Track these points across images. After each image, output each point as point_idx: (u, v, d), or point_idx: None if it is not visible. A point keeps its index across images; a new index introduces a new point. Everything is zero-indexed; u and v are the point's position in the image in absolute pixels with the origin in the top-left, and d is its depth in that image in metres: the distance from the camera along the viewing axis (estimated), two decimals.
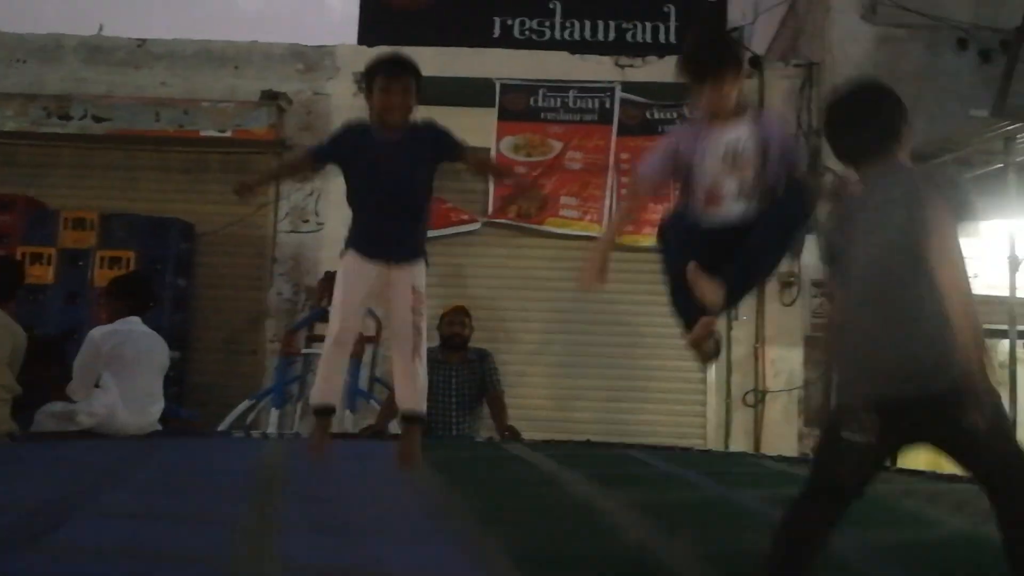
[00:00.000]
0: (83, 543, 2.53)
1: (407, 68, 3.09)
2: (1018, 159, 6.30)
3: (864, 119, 2.52)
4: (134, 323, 5.05)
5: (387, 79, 3.02)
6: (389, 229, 2.96)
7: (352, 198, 3.05)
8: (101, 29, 8.19)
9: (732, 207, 2.80)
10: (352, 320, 2.87)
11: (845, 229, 2.52)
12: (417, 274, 3.04)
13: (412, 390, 3.05)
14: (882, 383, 2.34)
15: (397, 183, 2.94)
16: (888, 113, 2.53)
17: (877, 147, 2.51)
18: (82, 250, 7.15)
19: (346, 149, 3.02)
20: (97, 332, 4.95)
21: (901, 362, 2.32)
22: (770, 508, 3.38)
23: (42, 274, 7.08)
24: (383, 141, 2.99)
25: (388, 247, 2.96)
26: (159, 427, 5.11)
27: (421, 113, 7.72)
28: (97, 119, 7.59)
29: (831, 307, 2.80)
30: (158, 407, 5.10)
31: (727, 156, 2.75)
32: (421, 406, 3.11)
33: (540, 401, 7.48)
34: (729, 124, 2.81)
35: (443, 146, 3.08)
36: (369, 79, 3.06)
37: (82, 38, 8.04)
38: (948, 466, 2.85)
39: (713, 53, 2.83)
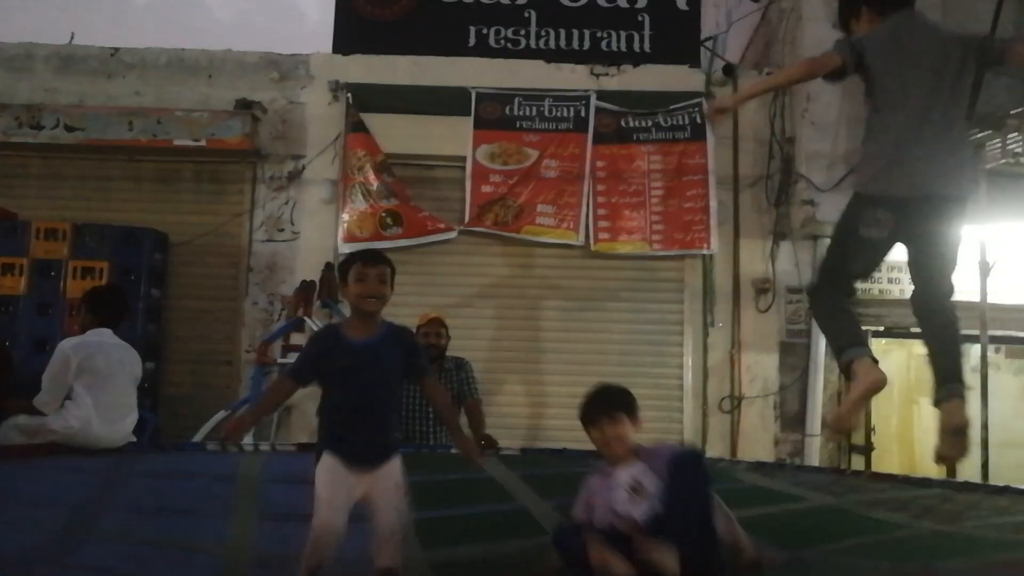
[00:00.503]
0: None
1: (382, 259, 3.10)
2: (988, 166, 6.38)
3: None
4: (105, 335, 5.00)
5: (363, 266, 3.01)
6: (367, 437, 2.85)
7: (326, 405, 2.96)
8: (73, 38, 8.11)
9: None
10: (336, 521, 2.68)
11: (890, 49, 3.21)
12: (397, 468, 2.95)
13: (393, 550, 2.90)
14: (917, 181, 3.10)
15: (372, 389, 2.84)
16: None
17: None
18: (54, 261, 7.07)
19: (321, 362, 2.96)
20: (67, 343, 4.89)
21: (938, 166, 3.15)
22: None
23: (13, 285, 7.00)
24: (356, 345, 2.93)
25: (368, 455, 2.85)
26: (133, 438, 5.06)
27: (396, 122, 7.75)
28: (69, 129, 7.53)
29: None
30: (132, 419, 5.05)
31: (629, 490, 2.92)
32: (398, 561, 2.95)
33: (517, 408, 7.48)
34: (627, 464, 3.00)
35: (412, 364, 3.02)
36: (344, 271, 3.05)
37: (54, 47, 7.97)
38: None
39: (597, 404, 3.08)
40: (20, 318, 6.92)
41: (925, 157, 3.21)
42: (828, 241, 7.55)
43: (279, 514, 3.38)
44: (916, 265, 3.33)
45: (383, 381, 2.91)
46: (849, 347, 3.26)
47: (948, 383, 3.31)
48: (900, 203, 3.16)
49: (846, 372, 3.32)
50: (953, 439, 3.16)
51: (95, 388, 4.78)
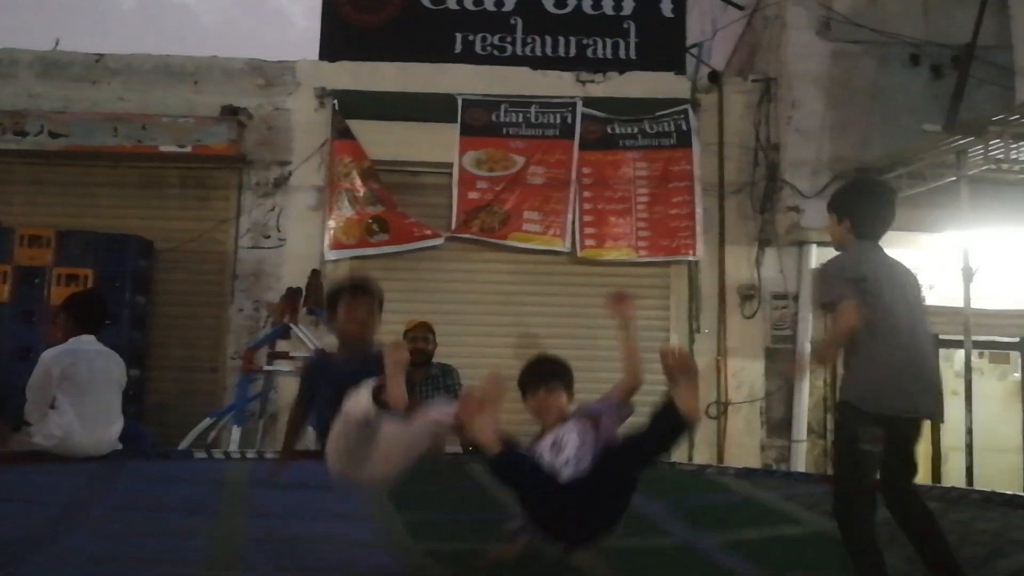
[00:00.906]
0: None
1: (369, 290, 3.16)
2: (970, 172, 6.43)
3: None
4: (87, 341, 4.97)
5: (351, 297, 3.08)
6: None
7: (318, 421, 3.04)
8: (57, 44, 8.08)
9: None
10: None
11: (880, 277, 3.43)
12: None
13: None
14: (913, 402, 3.29)
15: None
16: None
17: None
18: (38, 268, 7.04)
19: (314, 381, 3.06)
20: (48, 354, 4.86)
21: (925, 389, 3.33)
22: (730, 558, 3.40)
23: None
24: (345, 367, 3.01)
25: None
26: (119, 446, 5.02)
27: (382, 128, 7.74)
28: (53, 135, 7.49)
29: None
30: (117, 426, 5.01)
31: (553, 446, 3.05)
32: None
33: (504, 415, 7.45)
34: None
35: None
36: (333, 300, 3.11)
37: (37, 53, 7.93)
38: None
39: (537, 373, 3.20)
40: (3, 325, 6.88)
41: (923, 382, 3.40)
42: (812, 248, 7.61)
43: (266, 516, 3.37)
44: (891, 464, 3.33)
45: None
46: None
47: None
48: (895, 421, 3.31)
49: None
50: None
51: (77, 397, 4.75)
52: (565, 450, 2.91)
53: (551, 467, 2.89)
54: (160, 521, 3.38)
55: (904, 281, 3.55)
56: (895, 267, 3.60)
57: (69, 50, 8.00)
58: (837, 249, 3.70)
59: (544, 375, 3.11)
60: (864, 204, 3.75)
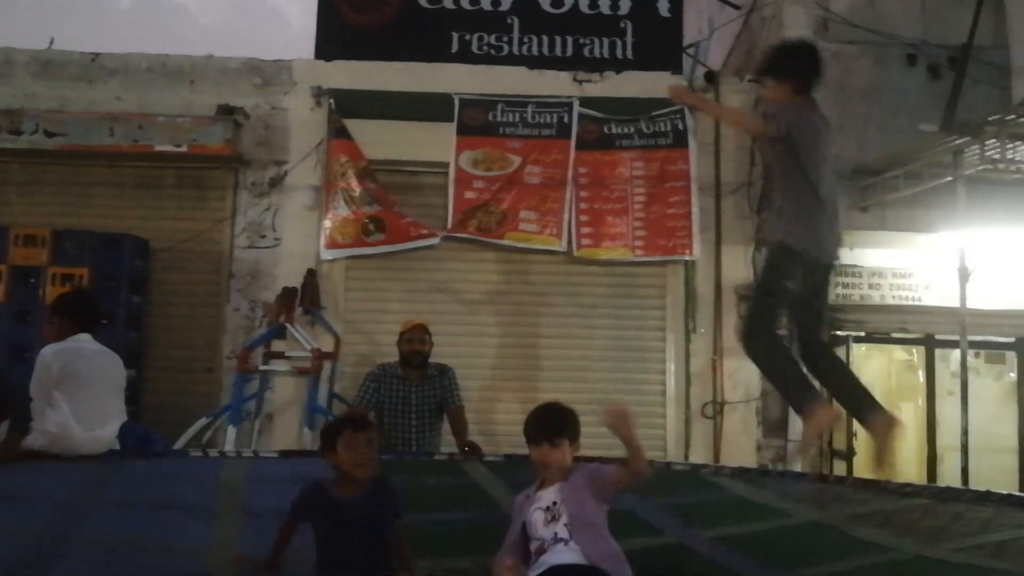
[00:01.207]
0: None
1: (368, 423, 3.10)
2: (967, 172, 6.44)
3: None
4: (84, 340, 4.94)
5: (354, 432, 2.99)
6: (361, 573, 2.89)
7: (321, 557, 2.96)
8: (52, 43, 8.06)
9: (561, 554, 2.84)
10: None
11: (814, 135, 3.93)
12: None
13: None
14: (835, 250, 3.92)
15: (363, 544, 2.85)
16: None
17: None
18: (33, 267, 7.02)
19: (310, 513, 2.96)
20: (48, 350, 4.84)
21: (839, 239, 3.94)
22: (725, 554, 3.40)
23: None
24: (346, 505, 2.93)
25: None
26: (116, 445, 4.99)
27: (379, 128, 7.73)
28: (49, 134, 7.47)
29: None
30: (114, 425, 4.99)
31: (547, 511, 2.87)
32: None
33: (501, 415, 7.46)
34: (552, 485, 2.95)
35: (392, 512, 3.04)
36: (331, 436, 3.00)
37: (33, 52, 7.91)
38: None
39: (542, 426, 3.01)
40: None
41: (838, 232, 4.02)
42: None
43: (264, 515, 3.37)
44: (805, 321, 3.93)
45: (373, 538, 2.88)
46: (807, 395, 3.83)
47: (871, 409, 3.82)
48: (816, 266, 3.89)
49: (801, 412, 3.86)
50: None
51: (74, 394, 4.73)
52: (559, 520, 2.83)
53: (541, 540, 2.83)
54: (156, 521, 3.37)
55: (830, 138, 4.08)
56: (826, 123, 4.10)
57: (65, 49, 7.98)
58: (770, 111, 4.06)
59: (550, 430, 2.97)
60: (801, 63, 4.12)
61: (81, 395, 4.74)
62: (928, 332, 7.88)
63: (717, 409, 7.57)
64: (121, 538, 2.99)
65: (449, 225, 7.62)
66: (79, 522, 3.29)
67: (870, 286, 7.75)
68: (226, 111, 7.64)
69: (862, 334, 7.88)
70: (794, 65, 4.11)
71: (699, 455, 7.37)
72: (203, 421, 6.65)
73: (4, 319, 6.90)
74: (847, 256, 7.78)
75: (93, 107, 7.68)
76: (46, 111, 7.59)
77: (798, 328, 3.90)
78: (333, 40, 7.99)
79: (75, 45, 8.01)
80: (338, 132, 7.61)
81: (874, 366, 8.73)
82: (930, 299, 7.66)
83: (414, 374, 5.83)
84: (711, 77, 7.95)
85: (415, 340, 5.90)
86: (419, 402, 5.81)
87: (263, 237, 7.70)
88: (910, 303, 7.73)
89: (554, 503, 2.85)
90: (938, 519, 3.87)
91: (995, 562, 3.11)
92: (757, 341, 3.89)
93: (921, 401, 8.16)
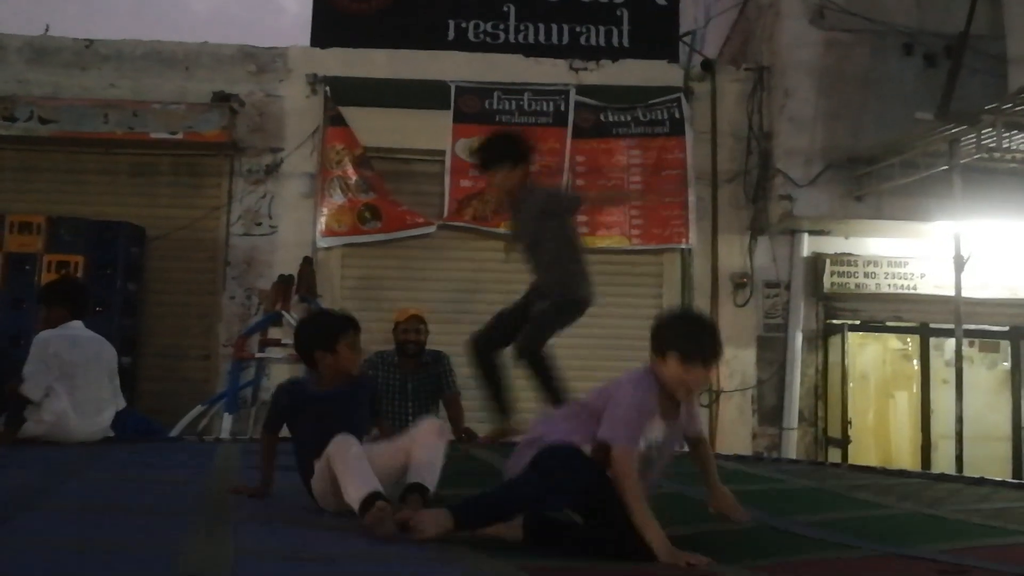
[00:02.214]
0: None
1: (357, 323, 3.12)
2: (962, 161, 6.45)
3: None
4: (77, 328, 4.94)
5: (356, 335, 3.01)
6: None
7: (297, 456, 2.95)
8: (47, 30, 8.02)
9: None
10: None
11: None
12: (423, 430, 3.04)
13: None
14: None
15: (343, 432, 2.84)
16: None
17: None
18: (28, 254, 7.00)
19: (290, 411, 2.95)
20: (45, 333, 4.83)
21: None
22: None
23: None
24: (327, 399, 2.92)
25: None
26: (111, 433, 5.00)
27: (375, 115, 7.68)
28: (43, 121, 7.44)
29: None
30: (109, 412, 4.99)
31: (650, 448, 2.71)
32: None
33: None
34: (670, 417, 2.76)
35: (371, 404, 3.05)
36: (332, 336, 2.96)
37: (27, 38, 7.87)
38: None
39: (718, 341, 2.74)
40: None
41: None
42: (805, 236, 7.65)
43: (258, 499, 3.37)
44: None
45: (351, 425, 2.88)
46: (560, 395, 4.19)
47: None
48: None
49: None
50: None
51: (70, 383, 4.72)
52: (654, 462, 2.74)
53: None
54: (146, 507, 3.37)
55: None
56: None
57: (59, 35, 7.94)
58: (538, 200, 4.36)
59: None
60: (525, 146, 4.43)
61: (77, 383, 4.74)
62: (923, 321, 7.91)
63: (713, 398, 7.58)
64: (108, 520, 2.98)
65: (445, 214, 7.61)
66: (59, 488, 3.29)
67: (865, 275, 7.77)
68: (221, 98, 7.61)
69: (857, 322, 7.91)
70: (523, 149, 4.35)
71: None
72: (199, 408, 6.66)
73: None
74: (843, 244, 7.83)
75: (87, 94, 7.65)
76: (40, 98, 7.56)
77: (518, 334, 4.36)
78: (329, 27, 7.97)
79: (69, 31, 7.98)
80: (334, 120, 7.59)
81: (869, 354, 8.76)
82: (925, 288, 7.69)
83: (410, 362, 5.83)
84: (707, 66, 7.94)
85: (410, 330, 5.90)
86: (415, 390, 5.81)
87: (259, 225, 7.69)
88: (905, 292, 7.75)
89: (659, 442, 2.70)
90: (936, 493, 3.90)
91: (993, 521, 3.13)
92: (538, 355, 4.26)
93: (915, 389, 8.19)
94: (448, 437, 2.97)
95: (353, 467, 2.62)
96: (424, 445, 2.79)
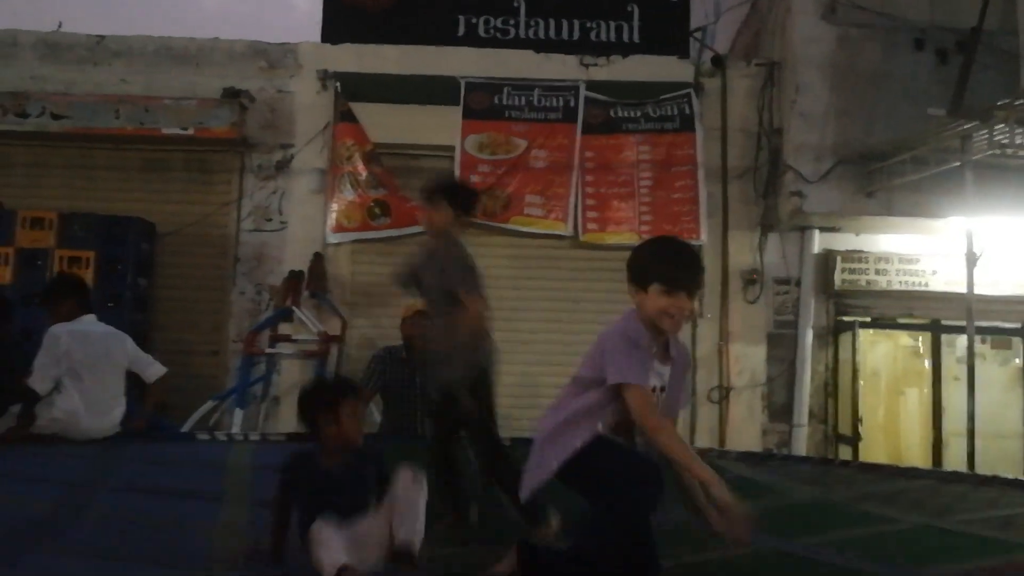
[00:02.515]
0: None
1: (359, 390, 3.07)
2: (974, 158, 6.41)
3: None
4: (89, 322, 4.95)
5: (356, 401, 2.95)
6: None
7: (304, 520, 2.90)
8: (60, 26, 8.05)
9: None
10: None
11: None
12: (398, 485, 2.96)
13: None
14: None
15: (348, 511, 2.79)
16: None
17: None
18: (40, 250, 7.03)
19: (298, 481, 2.90)
20: (57, 327, 4.84)
21: None
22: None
23: None
24: (331, 475, 2.88)
25: None
26: (119, 429, 5.01)
27: (385, 111, 7.69)
28: (55, 117, 7.48)
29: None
30: (120, 410, 5.01)
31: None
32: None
33: (506, 399, 7.45)
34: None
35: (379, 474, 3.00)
36: (330, 404, 2.89)
37: (39, 34, 7.91)
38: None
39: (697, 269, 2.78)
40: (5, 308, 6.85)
41: None
42: (815, 233, 7.61)
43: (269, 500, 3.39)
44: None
45: (357, 503, 2.85)
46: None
47: None
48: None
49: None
50: None
51: (81, 380, 4.74)
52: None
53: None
54: (163, 505, 3.40)
55: None
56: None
57: (71, 31, 7.97)
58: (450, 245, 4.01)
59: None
60: (470, 196, 4.16)
61: (88, 381, 4.76)
62: (934, 318, 7.87)
63: (723, 394, 7.57)
64: (128, 523, 3.01)
65: None
66: (88, 506, 3.31)
67: (876, 271, 7.73)
68: (232, 94, 7.63)
69: (868, 320, 7.88)
70: (471, 202, 4.13)
71: (705, 440, 7.38)
72: (209, 404, 6.69)
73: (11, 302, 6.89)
74: (854, 241, 7.80)
75: (99, 90, 7.68)
76: (52, 93, 7.60)
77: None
78: (339, 23, 7.97)
79: (81, 27, 8.01)
80: (344, 116, 7.60)
81: (880, 352, 8.72)
82: (937, 284, 7.65)
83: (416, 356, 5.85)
84: (718, 62, 7.91)
85: (416, 324, 5.91)
86: (423, 384, 5.82)
87: (269, 220, 7.70)
88: (917, 288, 7.72)
89: (660, 388, 2.59)
90: (944, 498, 3.89)
91: (1002, 533, 3.12)
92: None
93: (927, 387, 8.15)
94: (423, 479, 2.85)
95: (324, 543, 2.63)
96: (402, 498, 2.75)
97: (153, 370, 5.15)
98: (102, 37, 7.90)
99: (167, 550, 2.85)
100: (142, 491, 3.69)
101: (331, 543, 2.61)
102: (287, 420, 7.17)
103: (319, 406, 2.93)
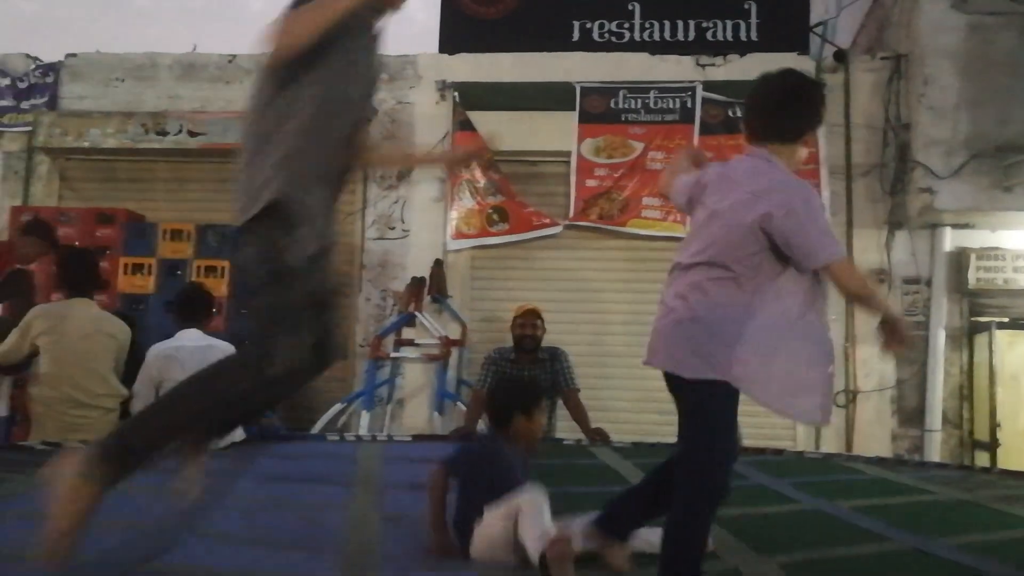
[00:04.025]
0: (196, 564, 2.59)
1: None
2: None
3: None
4: (187, 338, 4.89)
5: (543, 407, 3.14)
6: None
7: (473, 498, 2.95)
8: (195, 48, 8.50)
9: None
10: None
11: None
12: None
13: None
14: None
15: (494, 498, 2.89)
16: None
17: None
18: (180, 260, 7.44)
19: (478, 470, 2.94)
20: (152, 350, 4.86)
21: None
22: (861, 518, 3.36)
23: (143, 284, 7.40)
24: (513, 464, 2.95)
25: None
26: (237, 439, 4.99)
27: (502, 119, 7.77)
28: (192, 134, 7.90)
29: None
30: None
31: None
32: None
33: (622, 403, 7.45)
34: None
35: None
36: (530, 404, 3.04)
37: (176, 56, 8.37)
38: None
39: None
40: (149, 316, 7.24)
41: None
42: (947, 230, 7.32)
43: (403, 487, 3.54)
44: None
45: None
46: None
47: None
48: None
49: None
50: None
51: None
52: None
53: None
54: (298, 496, 3.56)
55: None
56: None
57: (205, 52, 8.40)
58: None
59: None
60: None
61: None
62: None
63: (849, 398, 7.36)
64: (266, 514, 3.16)
65: (571, 214, 7.65)
66: (227, 500, 3.48)
67: (1014, 269, 7.38)
68: None
69: (1005, 320, 7.51)
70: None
71: (831, 445, 7.19)
72: (338, 406, 6.91)
73: (154, 310, 7.29)
74: (990, 238, 7.46)
75: (231, 106, 8.04)
76: (189, 112, 8.02)
77: None
78: (456, 33, 8.13)
79: (214, 48, 8.43)
80: (462, 124, 7.74)
81: (1018, 353, 8.29)
82: None
83: (526, 357, 5.92)
84: (840, 56, 7.70)
85: (527, 324, 5.99)
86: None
87: (392, 229, 7.92)
88: None
89: None
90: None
91: None
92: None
93: None
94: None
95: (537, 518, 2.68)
96: (528, 501, 2.75)
97: None
98: (233, 56, 8.29)
99: (309, 535, 2.99)
100: (280, 480, 3.87)
101: (540, 516, 2.65)
102: (411, 422, 7.37)
103: (517, 402, 3.03)
